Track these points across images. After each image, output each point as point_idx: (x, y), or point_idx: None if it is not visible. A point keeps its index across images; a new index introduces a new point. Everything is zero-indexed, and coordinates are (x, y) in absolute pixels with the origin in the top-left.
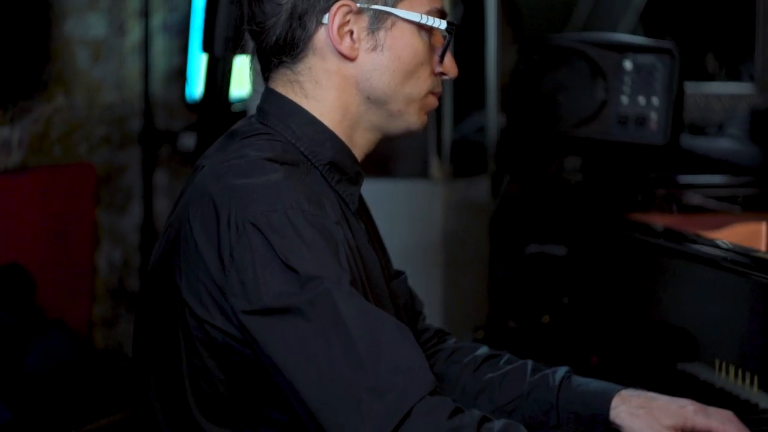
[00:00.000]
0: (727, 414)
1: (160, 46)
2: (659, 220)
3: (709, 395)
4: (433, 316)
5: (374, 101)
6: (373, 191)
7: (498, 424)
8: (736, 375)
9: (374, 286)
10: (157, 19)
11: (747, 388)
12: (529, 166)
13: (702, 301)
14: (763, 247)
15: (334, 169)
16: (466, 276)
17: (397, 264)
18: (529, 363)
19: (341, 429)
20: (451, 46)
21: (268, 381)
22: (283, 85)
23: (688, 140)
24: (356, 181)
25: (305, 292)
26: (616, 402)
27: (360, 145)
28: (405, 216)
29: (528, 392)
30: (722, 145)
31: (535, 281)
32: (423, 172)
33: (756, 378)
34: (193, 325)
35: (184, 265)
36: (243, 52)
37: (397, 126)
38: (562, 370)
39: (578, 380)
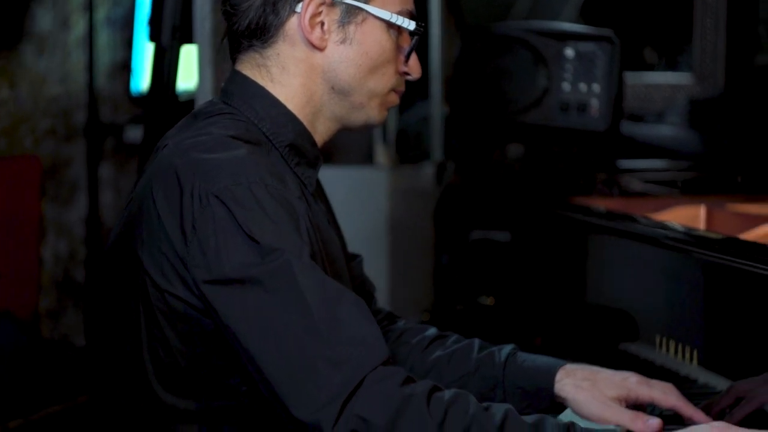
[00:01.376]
0: (669, 385)
1: (104, 39)
2: (600, 204)
3: (650, 372)
4: (379, 300)
5: (338, 92)
6: (321, 178)
7: (448, 392)
8: (676, 351)
9: (334, 263)
10: (101, 13)
11: (687, 363)
12: (473, 153)
13: (643, 280)
14: (701, 228)
15: (294, 151)
16: (412, 261)
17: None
18: (476, 341)
19: (297, 397)
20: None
21: (227, 351)
22: (251, 68)
23: (628, 127)
24: (314, 165)
25: (266, 263)
26: (560, 376)
27: (320, 132)
28: (351, 202)
29: (475, 369)
30: (662, 132)
31: (479, 265)
32: (369, 160)
33: (695, 353)
34: (154, 296)
35: (146, 237)
36: (189, 41)
37: (358, 118)
38: (508, 347)
39: (523, 356)
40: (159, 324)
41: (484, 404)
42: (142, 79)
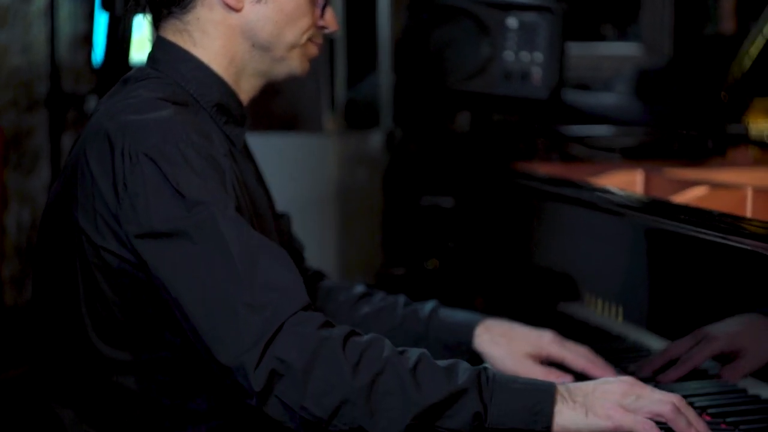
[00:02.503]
0: (582, 349)
1: (65, 11)
2: (541, 169)
3: (586, 332)
4: (328, 264)
5: (258, 48)
6: (271, 145)
7: (366, 337)
8: (610, 311)
9: (262, 219)
10: None
11: (615, 320)
12: (420, 120)
13: (582, 243)
14: (639, 192)
15: (221, 110)
16: (360, 225)
17: (293, 213)
18: (402, 298)
19: (221, 341)
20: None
21: (160, 303)
22: (173, 34)
23: (570, 95)
24: (242, 123)
25: (192, 216)
26: (479, 331)
27: (246, 89)
28: (301, 168)
29: (400, 324)
30: (604, 100)
31: (425, 230)
32: (318, 127)
33: (620, 310)
34: (89, 253)
35: (81, 197)
36: (143, 11)
37: (281, 71)
38: (431, 304)
39: (446, 311)
40: (95, 279)
41: (400, 348)
42: (101, 51)
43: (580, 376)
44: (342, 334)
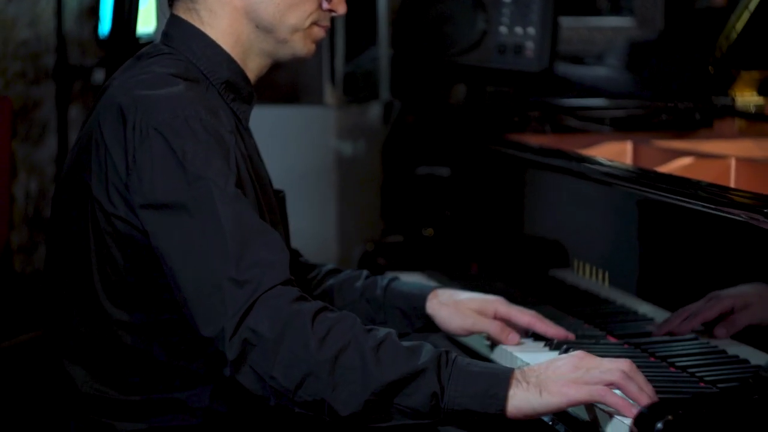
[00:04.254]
0: (530, 311)
1: None
2: (534, 140)
3: (575, 296)
4: (328, 232)
5: (262, 29)
6: (273, 117)
7: (337, 314)
8: (597, 276)
9: (265, 193)
10: None
11: (602, 285)
12: (418, 93)
13: (570, 210)
14: (628, 163)
15: (230, 88)
16: (359, 195)
17: (294, 183)
18: (364, 272)
19: (205, 313)
20: None
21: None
22: (185, 12)
23: (563, 68)
24: (249, 101)
25: (192, 189)
26: (430, 297)
27: (252, 68)
28: (301, 139)
29: (360, 294)
30: (595, 72)
31: (422, 199)
32: (318, 100)
33: (607, 275)
34: (102, 220)
35: (95, 167)
36: None
37: (285, 52)
38: (389, 276)
39: (402, 282)
40: (107, 245)
41: (369, 326)
42: (108, 23)
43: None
44: (313, 308)
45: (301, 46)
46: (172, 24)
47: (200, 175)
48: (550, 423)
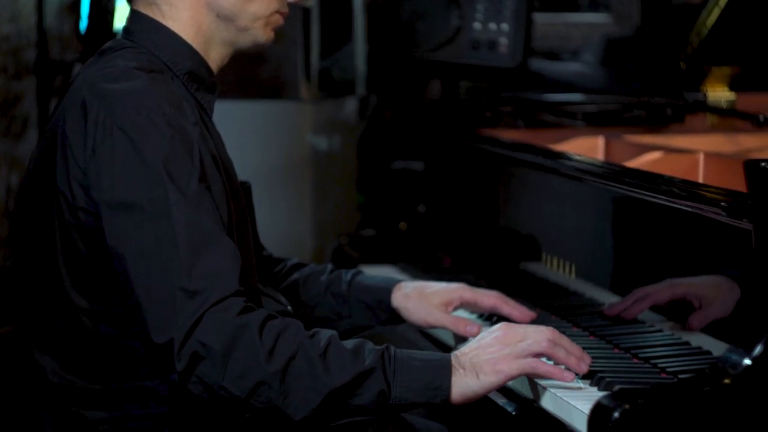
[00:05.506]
0: (495, 292)
1: None
2: (507, 135)
3: (545, 289)
4: (303, 226)
5: (223, 19)
6: (249, 112)
7: (280, 321)
8: (565, 268)
9: (231, 180)
10: None
11: (569, 277)
12: (393, 88)
13: (544, 205)
14: (600, 158)
15: (193, 78)
16: (335, 190)
17: (269, 178)
18: (329, 266)
19: (158, 320)
20: None
21: None
22: (145, 7)
23: (537, 63)
24: (212, 90)
25: (150, 191)
26: (395, 290)
27: (215, 58)
28: (277, 134)
29: (325, 289)
30: (570, 68)
31: (398, 193)
32: (294, 95)
33: (574, 268)
34: (65, 212)
35: (59, 161)
36: None
37: (246, 40)
38: (353, 270)
39: (366, 276)
40: (72, 238)
41: (311, 331)
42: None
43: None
44: (259, 320)
45: (261, 34)
46: (133, 19)
47: (161, 176)
48: (502, 405)
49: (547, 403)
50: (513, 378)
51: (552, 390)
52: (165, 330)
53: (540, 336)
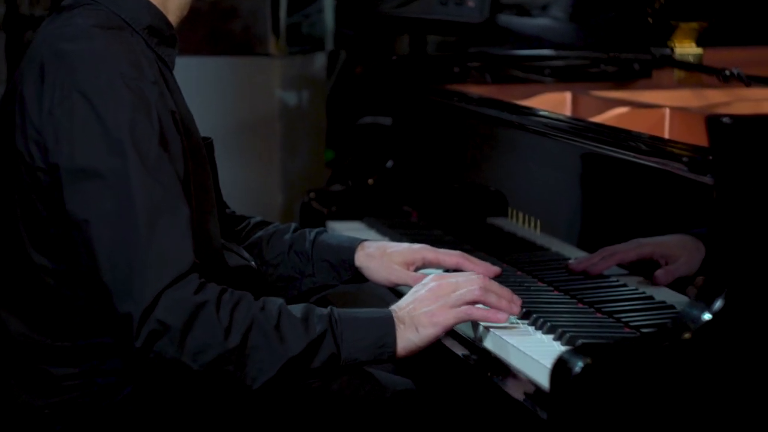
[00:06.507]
0: (457, 252)
1: None
2: (475, 90)
3: (513, 243)
4: (273, 182)
5: None
6: (217, 68)
7: (232, 294)
8: (530, 224)
9: (192, 137)
10: None
11: (535, 232)
12: (362, 44)
13: (510, 160)
14: (568, 113)
15: (153, 33)
16: (305, 145)
17: (238, 134)
18: (293, 225)
19: (117, 293)
20: None
21: None
22: None
23: (504, 18)
24: (173, 44)
25: (109, 158)
26: (359, 249)
27: (173, 11)
28: (246, 90)
29: (289, 246)
30: (537, 22)
31: (366, 148)
32: (263, 50)
33: (539, 223)
34: (24, 172)
35: (18, 121)
36: None
37: None
38: (318, 229)
39: (330, 235)
40: (31, 199)
41: (260, 302)
42: None
43: None
44: (214, 297)
45: None
46: None
47: (122, 143)
48: (450, 347)
49: (488, 343)
50: (450, 327)
51: (492, 330)
52: (123, 304)
53: (472, 284)
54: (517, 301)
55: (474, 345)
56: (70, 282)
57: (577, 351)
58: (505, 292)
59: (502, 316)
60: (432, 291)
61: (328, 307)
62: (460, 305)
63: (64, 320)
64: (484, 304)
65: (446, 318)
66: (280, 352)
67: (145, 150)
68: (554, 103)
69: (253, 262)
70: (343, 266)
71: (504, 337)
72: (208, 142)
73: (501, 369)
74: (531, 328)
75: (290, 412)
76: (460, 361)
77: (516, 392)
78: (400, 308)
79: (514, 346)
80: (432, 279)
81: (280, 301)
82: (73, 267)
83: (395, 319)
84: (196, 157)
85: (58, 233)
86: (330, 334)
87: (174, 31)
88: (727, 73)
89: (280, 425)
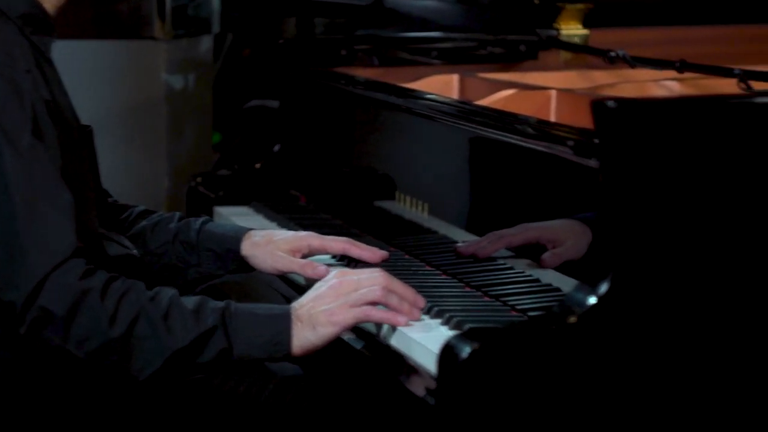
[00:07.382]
0: (343, 238)
1: None
2: (362, 73)
3: (400, 226)
4: (159, 167)
5: None
6: (100, 51)
7: (122, 283)
8: (418, 207)
9: (67, 128)
10: None
11: (422, 215)
12: (250, 26)
13: (397, 143)
14: (455, 95)
15: (27, 21)
16: (191, 129)
17: (123, 119)
18: (177, 214)
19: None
20: None
21: None
22: None
23: (392, 0)
24: (49, 32)
25: None
26: (245, 238)
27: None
28: (131, 73)
29: (174, 236)
30: (425, 4)
31: (253, 132)
32: (148, 33)
33: (427, 206)
34: None
35: None
36: None
37: None
38: (203, 218)
39: (216, 224)
40: None
41: (152, 291)
42: None
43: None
44: (101, 284)
45: None
46: None
47: None
48: (349, 342)
49: (388, 336)
50: (349, 327)
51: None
52: (6, 289)
53: (373, 284)
54: (420, 303)
55: (361, 329)
56: None
57: (464, 336)
58: (409, 293)
59: (401, 319)
60: (333, 288)
61: (225, 301)
62: (360, 305)
63: None
64: (385, 305)
65: (345, 318)
66: (166, 344)
67: (17, 139)
68: (442, 85)
69: (134, 251)
70: (228, 256)
71: (405, 331)
72: (87, 131)
73: (388, 353)
74: (419, 312)
75: (168, 399)
76: (343, 344)
77: (406, 379)
78: (300, 305)
79: (400, 330)
80: (334, 276)
81: (173, 291)
82: None
83: (293, 317)
84: (71, 145)
85: None
86: (221, 328)
87: (50, 19)
88: (613, 54)
89: (164, 414)
